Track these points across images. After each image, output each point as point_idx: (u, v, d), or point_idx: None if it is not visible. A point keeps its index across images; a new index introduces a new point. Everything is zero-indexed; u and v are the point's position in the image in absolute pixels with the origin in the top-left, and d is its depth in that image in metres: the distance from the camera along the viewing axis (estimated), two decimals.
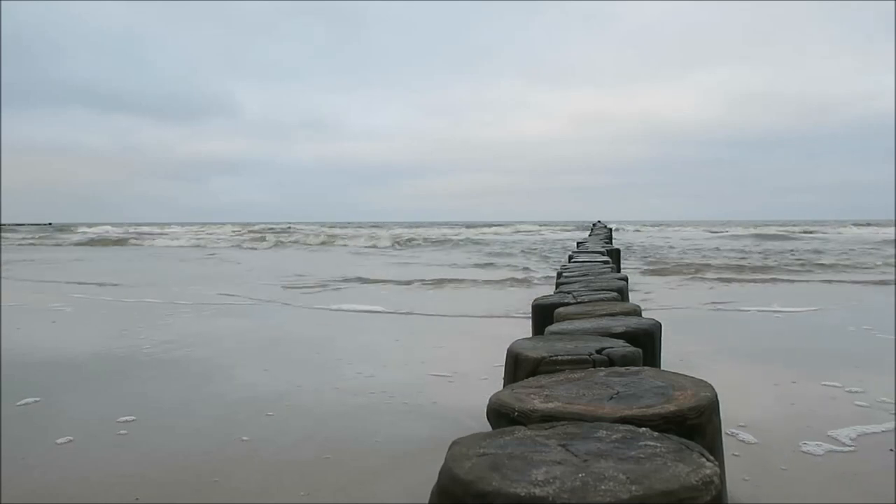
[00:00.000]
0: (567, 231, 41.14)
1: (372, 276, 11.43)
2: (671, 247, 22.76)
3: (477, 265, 14.81)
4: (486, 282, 10.66)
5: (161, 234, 38.70)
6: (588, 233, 19.34)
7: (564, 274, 4.20)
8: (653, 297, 8.20)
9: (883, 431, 2.96)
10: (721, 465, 1.08)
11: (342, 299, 8.19)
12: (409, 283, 10.41)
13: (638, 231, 42.50)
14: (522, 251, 20.43)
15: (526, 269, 13.63)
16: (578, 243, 10.82)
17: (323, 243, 26.58)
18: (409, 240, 28.09)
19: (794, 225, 51.43)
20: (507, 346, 1.84)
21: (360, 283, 10.48)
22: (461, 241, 27.17)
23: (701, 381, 1.37)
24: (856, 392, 3.58)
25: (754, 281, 10.54)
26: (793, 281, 10.60)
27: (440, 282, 10.52)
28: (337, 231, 38.81)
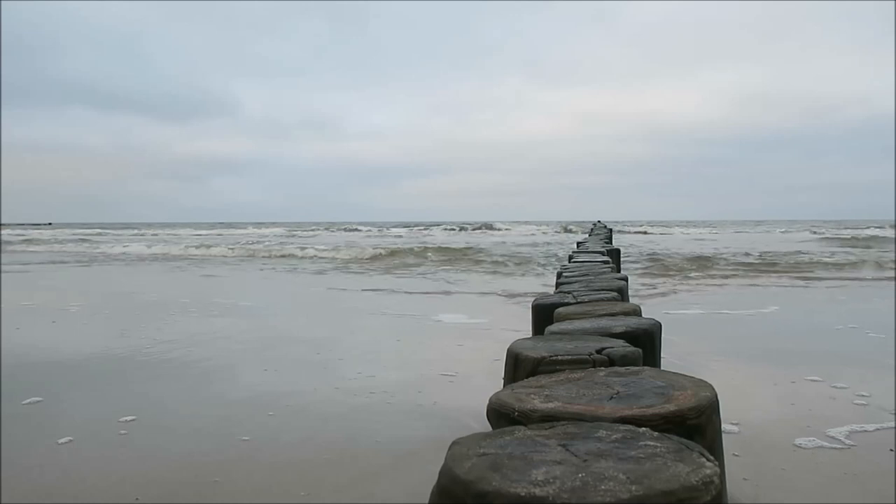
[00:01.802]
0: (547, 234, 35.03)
1: None
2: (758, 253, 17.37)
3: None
4: None
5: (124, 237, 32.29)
6: (588, 234, 18.90)
7: (564, 274, 4.20)
8: None
9: (882, 429, 2.96)
10: (721, 465, 1.08)
11: None
12: None
13: (660, 234, 35.42)
14: None
15: None
16: (578, 243, 10.81)
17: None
18: None
19: (801, 225, 50.35)
20: (507, 346, 1.84)
21: None
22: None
23: (701, 381, 1.37)
24: (854, 391, 3.58)
25: None
26: None
27: None
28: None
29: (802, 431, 2.93)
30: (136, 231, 46.72)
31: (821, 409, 3.31)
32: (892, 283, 9.86)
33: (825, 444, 2.80)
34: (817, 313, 7.17)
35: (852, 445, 2.78)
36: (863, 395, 3.50)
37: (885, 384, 3.74)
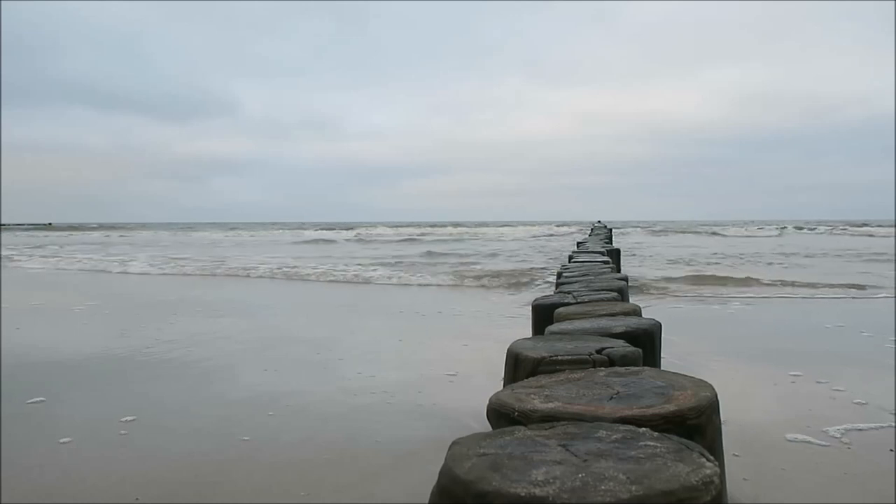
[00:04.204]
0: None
1: None
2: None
3: None
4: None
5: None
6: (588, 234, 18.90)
7: (564, 274, 4.20)
8: None
9: (881, 429, 2.96)
10: (721, 465, 1.08)
11: None
12: None
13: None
14: None
15: None
16: (578, 243, 10.80)
17: None
18: None
19: (812, 225, 47.34)
20: (507, 346, 1.84)
21: None
22: None
23: (701, 381, 1.37)
24: (854, 391, 3.58)
25: None
26: None
27: None
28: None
29: (802, 431, 2.93)
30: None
31: (820, 409, 3.31)
32: None
33: (825, 443, 2.79)
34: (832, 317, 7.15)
35: (852, 445, 2.78)
36: (862, 395, 3.50)
37: (885, 384, 3.74)
